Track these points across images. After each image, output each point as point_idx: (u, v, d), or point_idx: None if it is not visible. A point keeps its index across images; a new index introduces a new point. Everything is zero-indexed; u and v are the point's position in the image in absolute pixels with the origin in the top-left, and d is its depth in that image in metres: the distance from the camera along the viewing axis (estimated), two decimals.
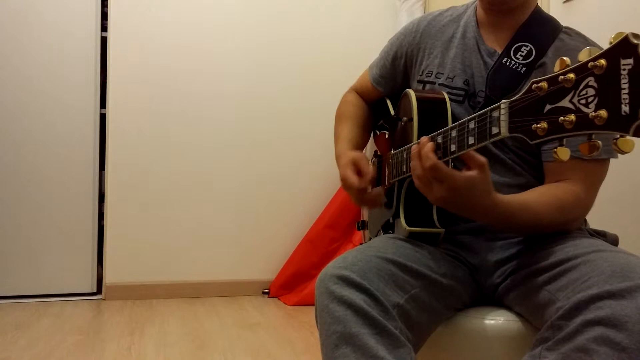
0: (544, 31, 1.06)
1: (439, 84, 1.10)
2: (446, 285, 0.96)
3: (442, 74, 1.11)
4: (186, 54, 2.80)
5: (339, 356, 0.81)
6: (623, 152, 0.58)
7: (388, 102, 1.26)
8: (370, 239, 1.24)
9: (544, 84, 0.65)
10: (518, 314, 0.96)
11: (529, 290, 0.91)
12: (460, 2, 1.19)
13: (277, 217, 2.93)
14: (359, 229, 1.37)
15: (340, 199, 2.81)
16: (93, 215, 2.74)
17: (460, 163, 0.87)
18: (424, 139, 0.88)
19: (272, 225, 2.93)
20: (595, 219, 1.06)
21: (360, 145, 1.28)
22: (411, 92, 1.04)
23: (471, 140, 0.79)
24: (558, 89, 0.64)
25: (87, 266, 2.73)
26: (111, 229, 2.73)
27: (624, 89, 0.56)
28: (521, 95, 0.69)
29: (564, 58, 0.64)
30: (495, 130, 0.74)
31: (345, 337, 0.81)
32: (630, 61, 0.56)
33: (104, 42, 2.74)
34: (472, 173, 0.83)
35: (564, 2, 1.77)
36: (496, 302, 1.02)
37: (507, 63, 1.04)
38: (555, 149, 0.65)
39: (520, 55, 1.03)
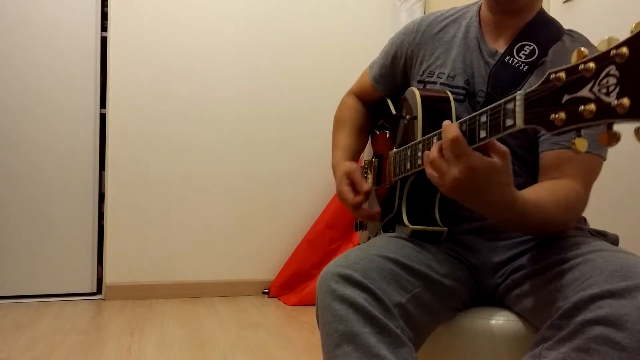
0: (547, 32, 1.06)
1: (440, 84, 1.10)
2: (447, 285, 0.96)
3: (444, 73, 1.11)
4: (186, 54, 2.80)
5: (340, 355, 0.81)
6: None
7: (389, 102, 1.26)
8: (369, 238, 1.24)
9: (562, 74, 0.65)
10: (518, 314, 0.96)
11: (529, 290, 0.91)
12: (460, 2, 1.19)
13: (277, 217, 2.93)
14: (356, 230, 1.37)
15: None
16: (93, 215, 2.74)
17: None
18: (447, 122, 0.83)
19: (272, 225, 2.93)
20: (595, 219, 1.06)
21: (358, 152, 1.30)
22: (415, 90, 1.04)
23: (483, 134, 0.77)
24: (577, 78, 0.63)
25: (87, 266, 2.73)
26: (111, 229, 2.73)
27: None
28: (537, 86, 0.68)
29: (582, 49, 0.63)
30: (509, 122, 0.72)
31: (347, 336, 0.81)
32: None
33: (104, 42, 2.74)
34: (494, 159, 0.78)
35: (564, 2, 1.77)
36: (496, 302, 1.02)
37: (510, 61, 1.04)
38: (573, 140, 0.64)
39: (523, 54, 1.04)
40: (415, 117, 1.01)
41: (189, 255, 2.82)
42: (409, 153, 1.00)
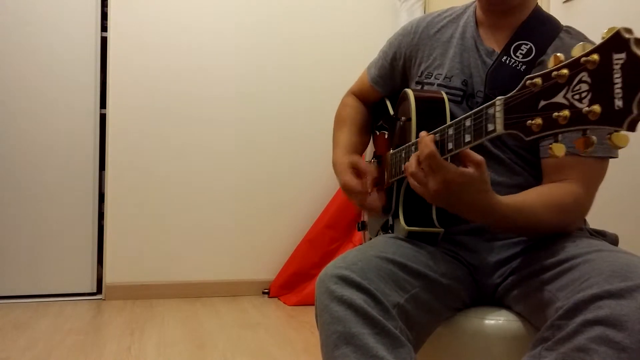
0: (544, 30, 1.06)
1: (438, 85, 1.10)
2: (446, 285, 0.96)
3: (441, 74, 1.11)
4: (186, 54, 2.80)
5: (339, 356, 0.81)
6: (618, 147, 0.58)
7: (387, 102, 1.26)
8: (370, 239, 1.24)
9: (538, 80, 0.66)
10: (518, 314, 0.96)
11: (529, 290, 0.91)
12: (459, 2, 1.19)
13: (277, 217, 2.93)
14: (359, 230, 1.37)
15: (340, 199, 2.81)
16: (93, 215, 2.74)
17: (461, 164, 0.87)
18: (424, 133, 0.88)
19: (272, 225, 2.93)
20: (595, 219, 1.05)
21: (359, 151, 1.29)
22: (410, 92, 1.04)
23: (468, 138, 0.79)
24: (552, 84, 0.64)
25: (87, 266, 2.73)
26: (111, 229, 2.73)
27: (617, 83, 0.56)
28: (516, 92, 0.69)
29: (558, 54, 0.64)
30: (491, 127, 0.73)
31: (346, 336, 0.81)
32: (623, 56, 0.56)
33: (104, 42, 2.74)
34: (468, 169, 0.82)
35: (564, 2, 1.77)
36: (496, 302, 1.02)
37: (507, 61, 1.04)
38: (550, 145, 0.65)
39: (520, 53, 1.03)
40: (410, 119, 1.01)
41: (189, 255, 2.82)
42: (403, 155, 1.00)
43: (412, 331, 0.88)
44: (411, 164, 0.87)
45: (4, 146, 2.63)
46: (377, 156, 1.23)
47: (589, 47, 0.60)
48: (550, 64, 0.64)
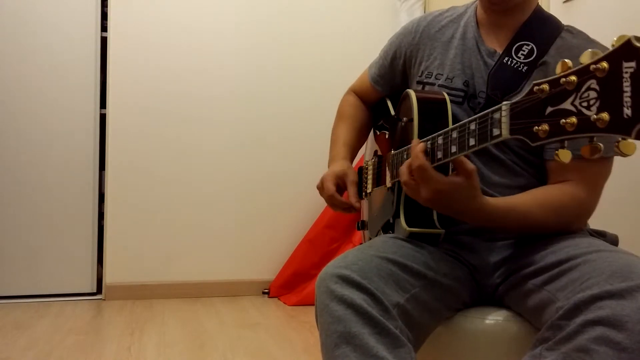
0: (545, 30, 1.05)
1: (439, 85, 1.10)
2: (446, 285, 0.96)
3: (442, 74, 1.11)
4: (186, 54, 2.80)
5: (339, 356, 0.81)
6: (625, 155, 0.58)
7: (388, 102, 1.26)
8: (370, 239, 1.24)
9: (546, 86, 0.65)
10: (518, 314, 0.96)
11: (529, 290, 0.91)
12: (460, 2, 1.19)
13: (277, 217, 2.93)
14: (358, 229, 1.37)
15: None
16: (93, 215, 2.74)
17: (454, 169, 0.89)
18: (415, 141, 0.91)
19: (272, 225, 2.93)
20: (595, 219, 1.05)
21: (356, 148, 1.31)
22: (412, 92, 1.04)
23: (472, 142, 0.79)
24: (560, 91, 0.64)
25: (87, 266, 2.73)
26: (111, 229, 2.73)
27: (626, 92, 0.56)
28: (523, 97, 0.69)
29: (566, 60, 0.64)
30: (496, 131, 0.73)
31: (346, 336, 0.81)
32: (633, 64, 0.56)
33: (104, 42, 2.74)
34: (458, 179, 0.86)
35: (564, 2, 1.77)
36: (496, 302, 1.02)
37: (509, 62, 1.03)
38: (556, 151, 0.65)
39: (522, 54, 1.03)
40: (412, 120, 1.01)
41: (189, 255, 2.82)
42: (405, 156, 1.00)
43: (412, 331, 0.88)
44: (403, 173, 0.91)
45: (4, 146, 2.63)
46: (378, 156, 1.23)
47: (598, 55, 0.60)
48: (558, 70, 0.64)
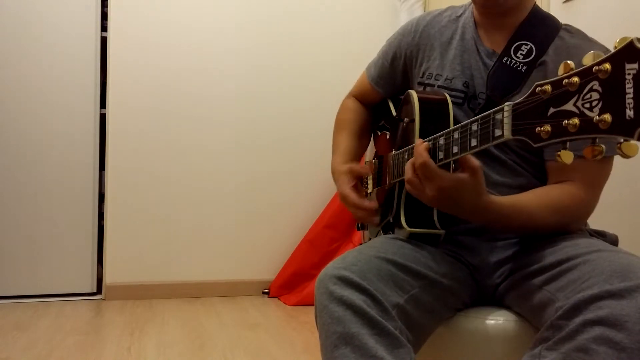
0: (543, 29, 1.05)
1: (438, 86, 1.10)
2: (446, 285, 0.96)
3: (441, 75, 1.10)
4: (186, 54, 2.80)
5: (338, 356, 0.81)
6: (627, 157, 0.58)
7: (390, 103, 1.26)
8: (369, 239, 1.24)
9: (548, 87, 0.65)
10: (518, 314, 0.96)
11: (529, 290, 0.91)
12: (459, 1, 1.19)
13: (277, 217, 2.93)
14: (358, 229, 1.37)
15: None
16: (93, 215, 2.74)
17: (459, 166, 0.88)
18: (419, 140, 0.90)
19: (272, 225, 2.93)
20: (595, 219, 1.06)
21: (358, 155, 1.29)
22: (413, 93, 1.04)
23: (474, 142, 0.79)
24: (562, 92, 0.64)
25: (87, 266, 2.73)
26: (111, 229, 2.73)
27: (629, 93, 0.56)
28: (525, 98, 0.69)
29: (568, 62, 0.64)
30: (498, 132, 0.73)
31: (345, 337, 0.81)
32: (635, 66, 0.56)
33: (104, 42, 2.74)
34: (463, 175, 0.85)
35: (564, 2, 1.77)
36: (496, 302, 1.02)
37: (508, 62, 1.03)
38: (559, 152, 0.65)
39: (521, 54, 1.03)
40: (413, 120, 1.01)
41: (189, 255, 2.82)
42: (405, 157, 1.00)
43: (412, 331, 0.88)
44: (407, 171, 0.90)
45: (4, 146, 2.63)
46: (379, 157, 1.23)
47: (600, 56, 0.60)
48: (561, 71, 0.64)
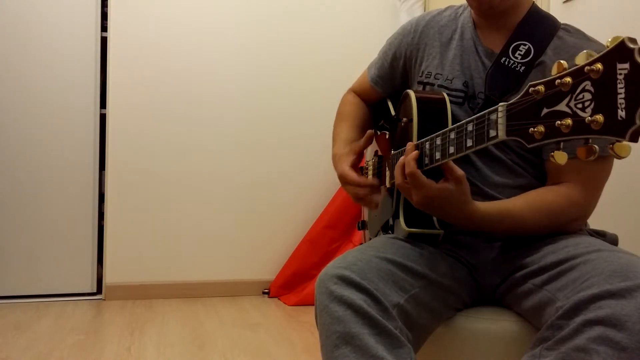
0: (542, 29, 1.05)
1: (438, 85, 1.10)
2: (446, 285, 0.96)
3: (441, 74, 1.11)
4: (186, 54, 2.80)
5: (338, 356, 0.81)
6: (619, 157, 0.58)
7: (389, 103, 1.26)
8: (370, 239, 1.24)
9: (541, 88, 0.65)
10: (518, 314, 0.96)
11: (529, 290, 0.91)
12: (459, 1, 1.19)
13: (277, 217, 2.93)
14: (359, 229, 1.37)
15: (340, 199, 2.81)
16: (93, 215, 2.74)
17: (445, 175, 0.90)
18: (410, 145, 0.92)
19: (272, 225, 2.93)
20: (595, 219, 1.06)
21: None
22: (411, 93, 1.04)
23: (469, 143, 0.79)
24: (555, 92, 0.64)
25: (87, 266, 2.73)
26: (111, 229, 2.73)
27: (620, 93, 0.56)
28: (519, 99, 0.69)
29: (561, 62, 0.64)
30: (493, 133, 0.74)
31: (345, 337, 0.81)
32: (627, 66, 0.56)
33: (104, 42, 2.74)
34: (448, 185, 0.88)
35: (564, 2, 1.77)
36: (496, 302, 1.02)
37: (506, 62, 1.03)
38: (552, 153, 0.65)
39: (519, 54, 1.03)
40: (411, 120, 1.01)
41: (189, 255, 2.82)
42: None
43: (412, 331, 0.88)
44: (397, 176, 0.93)
45: (4, 146, 2.62)
46: (379, 156, 1.23)
47: (593, 56, 0.60)
48: (554, 71, 0.64)
